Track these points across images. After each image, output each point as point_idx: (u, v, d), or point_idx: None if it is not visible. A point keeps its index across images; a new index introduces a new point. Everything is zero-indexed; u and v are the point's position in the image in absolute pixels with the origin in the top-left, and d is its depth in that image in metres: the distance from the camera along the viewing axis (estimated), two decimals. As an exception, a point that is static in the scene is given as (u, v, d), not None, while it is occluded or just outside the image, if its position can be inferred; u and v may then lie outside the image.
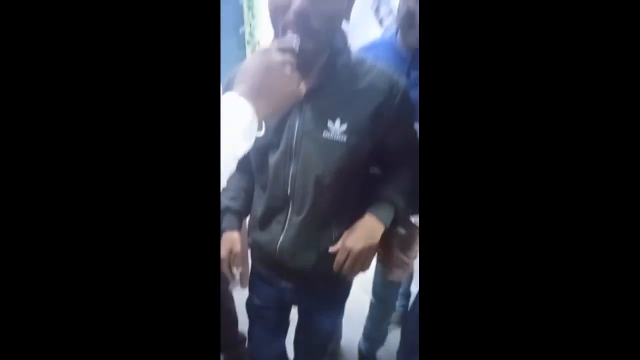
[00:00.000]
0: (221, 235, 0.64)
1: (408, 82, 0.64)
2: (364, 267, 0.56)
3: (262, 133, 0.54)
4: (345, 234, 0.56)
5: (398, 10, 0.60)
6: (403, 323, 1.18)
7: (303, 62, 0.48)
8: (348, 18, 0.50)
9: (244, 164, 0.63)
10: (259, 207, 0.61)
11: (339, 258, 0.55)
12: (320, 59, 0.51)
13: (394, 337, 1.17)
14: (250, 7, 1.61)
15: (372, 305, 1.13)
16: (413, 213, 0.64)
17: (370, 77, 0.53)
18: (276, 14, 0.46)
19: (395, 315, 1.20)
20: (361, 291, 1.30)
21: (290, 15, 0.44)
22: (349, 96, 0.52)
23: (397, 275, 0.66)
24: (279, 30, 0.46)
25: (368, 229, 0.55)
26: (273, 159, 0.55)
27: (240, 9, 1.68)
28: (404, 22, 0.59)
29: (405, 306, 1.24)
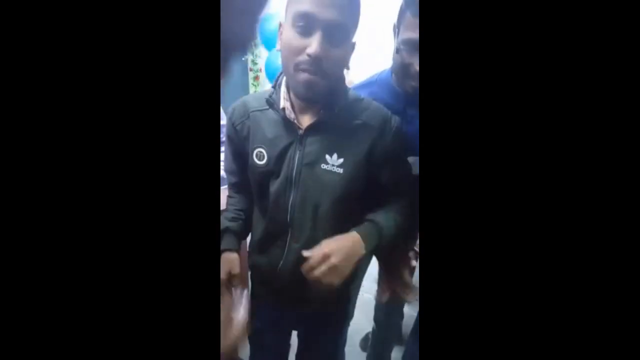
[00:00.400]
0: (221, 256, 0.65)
1: (404, 119, 0.68)
2: (337, 277, 0.52)
3: (264, 162, 0.58)
4: (325, 242, 0.54)
5: (393, 58, 0.65)
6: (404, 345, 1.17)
7: (310, 100, 0.53)
8: (348, 67, 0.57)
9: (243, 188, 0.66)
10: (258, 230, 0.64)
11: (312, 262, 0.52)
12: (324, 98, 0.56)
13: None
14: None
15: (374, 332, 1.12)
16: (407, 241, 0.66)
17: (365, 114, 0.58)
18: (289, 54, 0.50)
19: (395, 338, 1.18)
20: (364, 319, 1.29)
21: (304, 56, 0.49)
22: (345, 132, 0.57)
23: (397, 297, 0.66)
24: (291, 68, 0.51)
25: (347, 240, 0.54)
26: (274, 187, 0.58)
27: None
28: (398, 71, 0.64)
29: (400, 327, 1.23)
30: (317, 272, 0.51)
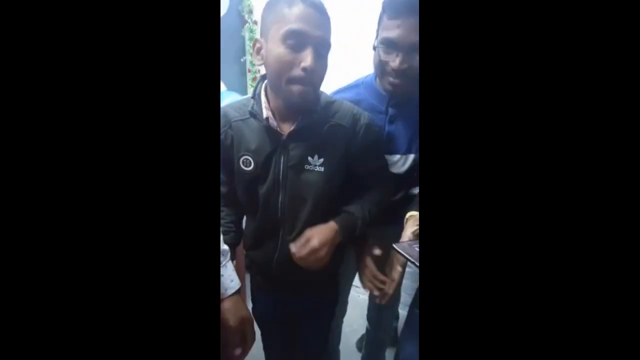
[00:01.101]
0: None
1: (386, 118, 0.74)
2: (318, 258, 0.61)
3: (251, 168, 0.62)
4: (307, 230, 0.63)
5: (373, 59, 0.69)
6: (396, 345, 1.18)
7: (302, 109, 0.59)
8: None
9: (231, 200, 0.72)
10: (250, 229, 0.72)
11: (297, 245, 0.61)
12: (312, 106, 0.62)
13: (391, 365, 1.16)
14: (251, 39, 1.74)
15: (368, 332, 1.14)
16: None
17: (338, 115, 0.65)
18: (280, 68, 0.55)
19: (388, 339, 1.20)
20: (360, 319, 1.31)
21: (299, 70, 0.54)
22: (322, 134, 0.63)
23: (372, 290, 0.69)
24: (282, 81, 0.56)
25: (325, 228, 0.63)
26: (263, 189, 0.65)
27: (242, 40, 1.80)
28: (377, 69, 0.69)
29: (395, 329, 1.24)
30: (301, 253, 0.60)
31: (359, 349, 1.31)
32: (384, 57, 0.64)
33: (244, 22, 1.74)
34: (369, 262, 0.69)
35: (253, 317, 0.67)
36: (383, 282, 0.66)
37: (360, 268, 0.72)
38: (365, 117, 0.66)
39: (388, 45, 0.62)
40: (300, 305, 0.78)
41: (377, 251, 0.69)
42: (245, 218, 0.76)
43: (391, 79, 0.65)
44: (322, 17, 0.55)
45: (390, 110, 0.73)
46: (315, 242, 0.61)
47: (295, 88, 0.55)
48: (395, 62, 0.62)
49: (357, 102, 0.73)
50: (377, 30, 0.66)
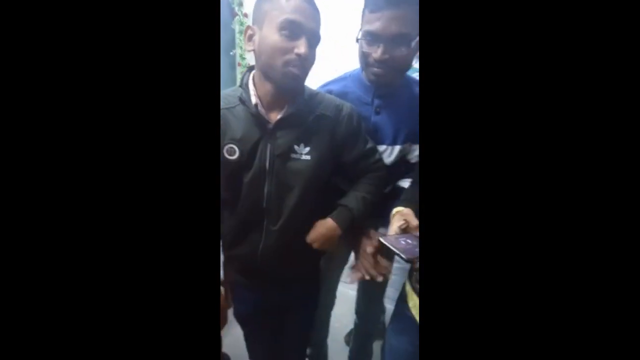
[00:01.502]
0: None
1: (371, 109, 0.75)
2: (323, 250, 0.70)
3: (235, 157, 0.62)
4: (310, 234, 0.70)
5: (358, 52, 0.71)
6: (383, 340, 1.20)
7: (293, 91, 0.62)
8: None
9: None
10: (230, 228, 0.71)
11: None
12: (300, 90, 0.64)
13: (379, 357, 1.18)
14: (242, 32, 1.72)
15: (356, 326, 1.15)
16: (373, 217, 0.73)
17: (322, 106, 0.67)
18: (275, 54, 0.57)
19: (376, 332, 1.22)
20: (348, 315, 1.33)
21: (293, 55, 0.57)
22: (308, 124, 0.65)
23: (375, 277, 0.71)
24: (279, 66, 0.58)
25: (324, 228, 0.69)
26: (247, 178, 0.65)
27: (232, 33, 1.78)
28: (361, 61, 0.71)
29: (382, 322, 1.27)
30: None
31: (347, 343, 1.32)
32: (366, 49, 0.66)
33: (234, 14, 1.72)
34: (371, 249, 0.69)
35: (234, 317, 0.69)
36: (385, 268, 0.68)
37: (361, 255, 0.73)
38: (347, 107, 0.69)
39: (370, 37, 0.65)
40: (284, 298, 0.79)
41: (376, 237, 0.70)
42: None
43: (374, 70, 0.68)
44: (314, 11, 0.59)
45: (376, 102, 0.75)
46: (316, 245, 0.68)
47: (290, 70, 0.58)
48: (377, 53, 0.64)
49: (344, 94, 0.74)
50: (361, 24, 0.68)
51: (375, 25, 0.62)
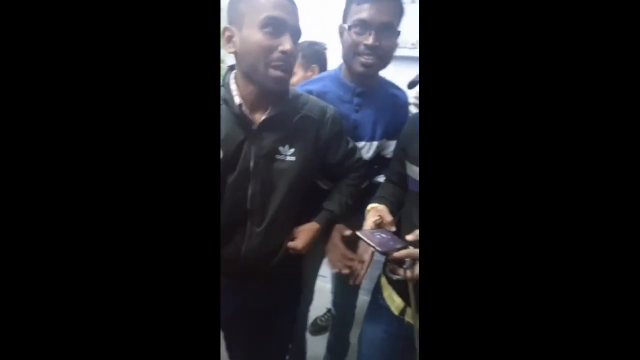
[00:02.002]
0: None
1: (351, 108, 0.78)
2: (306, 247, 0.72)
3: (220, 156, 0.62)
4: (295, 240, 0.71)
5: (342, 45, 0.75)
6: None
7: (279, 91, 0.62)
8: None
9: None
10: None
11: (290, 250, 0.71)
12: (286, 89, 0.64)
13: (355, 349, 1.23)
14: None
15: (333, 317, 1.19)
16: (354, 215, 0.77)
17: (306, 108, 0.68)
18: (259, 53, 0.57)
19: (352, 322, 1.26)
20: (324, 306, 1.36)
21: (278, 54, 0.56)
22: (292, 125, 0.66)
23: (340, 269, 0.75)
24: (261, 66, 0.58)
25: (311, 232, 0.72)
26: (230, 179, 0.64)
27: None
28: (348, 52, 0.74)
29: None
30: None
31: (312, 333, 1.37)
32: (357, 37, 0.69)
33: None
34: (339, 242, 0.73)
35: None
36: (351, 260, 0.70)
37: (328, 248, 0.75)
38: (331, 109, 0.70)
39: (361, 25, 0.68)
40: (268, 299, 0.79)
41: (347, 232, 0.73)
42: None
43: (364, 59, 0.70)
44: (293, 6, 0.59)
45: (356, 100, 0.77)
46: (304, 251, 0.70)
47: (274, 72, 0.57)
48: (369, 40, 0.68)
49: (323, 94, 0.76)
50: (345, 17, 0.71)
51: (366, 14, 0.66)
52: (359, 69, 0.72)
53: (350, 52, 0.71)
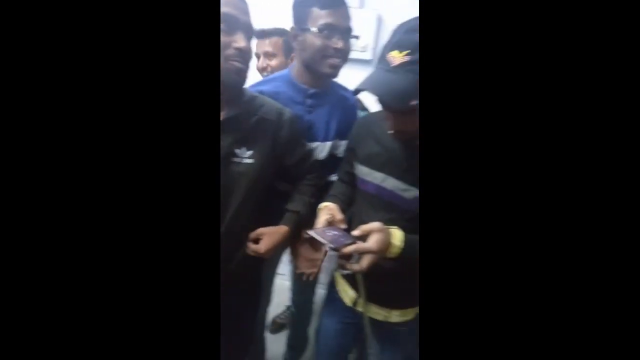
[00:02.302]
0: None
1: (304, 109, 0.80)
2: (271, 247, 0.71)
3: None
4: (261, 243, 0.70)
5: (303, 49, 0.77)
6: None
7: (238, 85, 0.62)
8: None
9: None
10: None
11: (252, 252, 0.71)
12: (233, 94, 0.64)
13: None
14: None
15: (292, 314, 1.22)
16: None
17: (262, 110, 0.68)
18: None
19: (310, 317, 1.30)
20: (282, 303, 1.38)
21: (232, 50, 0.57)
22: (249, 127, 0.66)
23: (304, 268, 0.79)
24: (221, 62, 0.58)
25: (278, 235, 0.71)
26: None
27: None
28: (315, 55, 0.76)
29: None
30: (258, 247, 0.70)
31: (271, 332, 1.39)
32: (326, 41, 0.72)
33: None
34: (304, 247, 0.76)
35: None
36: (315, 261, 0.74)
37: (295, 254, 0.79)
38: (288, 111, 0.72)
39: (330, 29, 0.72)
40: (227, 304, 0.79)
41: (306, 235, 0.76)
42: None
43: (332, 61, 0.74)
44: (244, 4, 0.60)
45: (309, 101, 0.80)
46: (269, 254, 0.69)
47: (234, 65, 0.58)
48: (338, 43, 0.72)
49: (276, 94, 0.77)
50: (303, 20, 0.74)
51: (333, 19, 0.71)
52: (327, 70, 0.74)
53: (318, 55, 0.73)
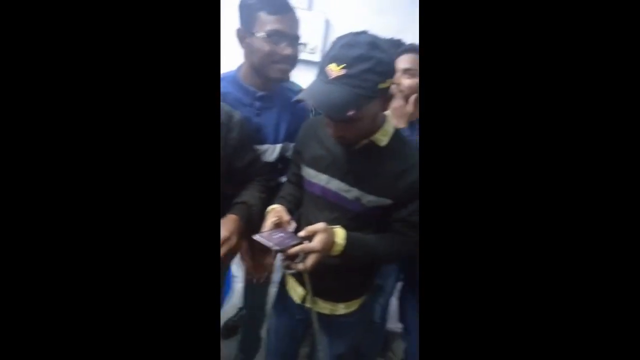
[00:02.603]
0: None
1: (253, 111, 0.80)
2: (224, 247, 0.69)
3: None
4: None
5: (250, 53, 0.77)
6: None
7: None
8: None
9: None
10: None
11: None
12: None
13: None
14: None
15: (244, 316, 1.21)
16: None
17: None
18: None
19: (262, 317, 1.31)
20: (235, 305, 1.36)
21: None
22: None
23: (253, 271, 0.79)
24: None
25: (228, 223, 0.69)
26: None
27: None
28: (263, 60, 0.76)
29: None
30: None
31: (224, 336, 1.38)
32: (274, 47, 0.72)
33: None
34: (254, 250, 0.76)
35: None
36: (265, 267, 0.74)
37: (245, 257, 0.79)
38: (237, 113, 0.72)
39: (277, 35, 0.72)
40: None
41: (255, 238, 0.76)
42: None
43: (281, 67, 0.75)
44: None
45: (257, 104, 0.80)
46: (224, 233, 0.65)
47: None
48: (286, 50, 0.73)
49: (223, 95, 0.76)
50: (250, 24, 0.73)
51: (280, 25, 0.71)
52: (276, 75, 0.75)
53: (267, 60, 0.74)
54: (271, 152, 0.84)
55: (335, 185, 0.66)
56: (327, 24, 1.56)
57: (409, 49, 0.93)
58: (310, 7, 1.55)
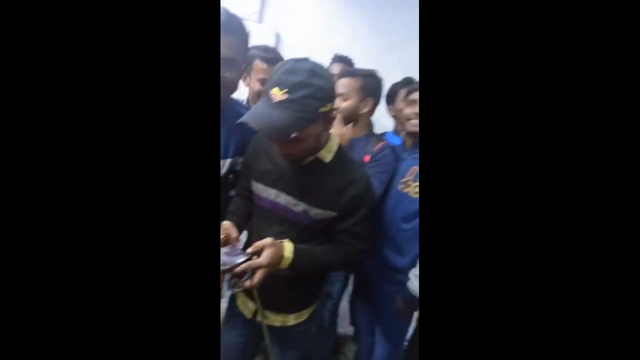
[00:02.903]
0: None
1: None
2: None
3: None
4: None
5: None
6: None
7: None
8: None
9: None
10: None
11: None
12: None
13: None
14: None
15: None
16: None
17: None
18: None
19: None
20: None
21: None
22: None
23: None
24: None
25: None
26: None
27: None
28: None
29: None
30: None
31: None
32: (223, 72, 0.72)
33: None
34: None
35: None
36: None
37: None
38: None
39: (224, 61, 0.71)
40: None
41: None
42: None
43: (229, 84, 0.74)
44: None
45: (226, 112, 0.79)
46: None
47: None
48: (226, 73, 0.72)
49: None
50: None
51: (226, 50, 0.69)
52: (223, 91, 0.74)
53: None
54: (221, 166, 0.83)
55: (283, 199, 0.68)
56: (277, 38, 1.60)
57: (344, 74, 1.01)
58: (260, 20, 1.57)
